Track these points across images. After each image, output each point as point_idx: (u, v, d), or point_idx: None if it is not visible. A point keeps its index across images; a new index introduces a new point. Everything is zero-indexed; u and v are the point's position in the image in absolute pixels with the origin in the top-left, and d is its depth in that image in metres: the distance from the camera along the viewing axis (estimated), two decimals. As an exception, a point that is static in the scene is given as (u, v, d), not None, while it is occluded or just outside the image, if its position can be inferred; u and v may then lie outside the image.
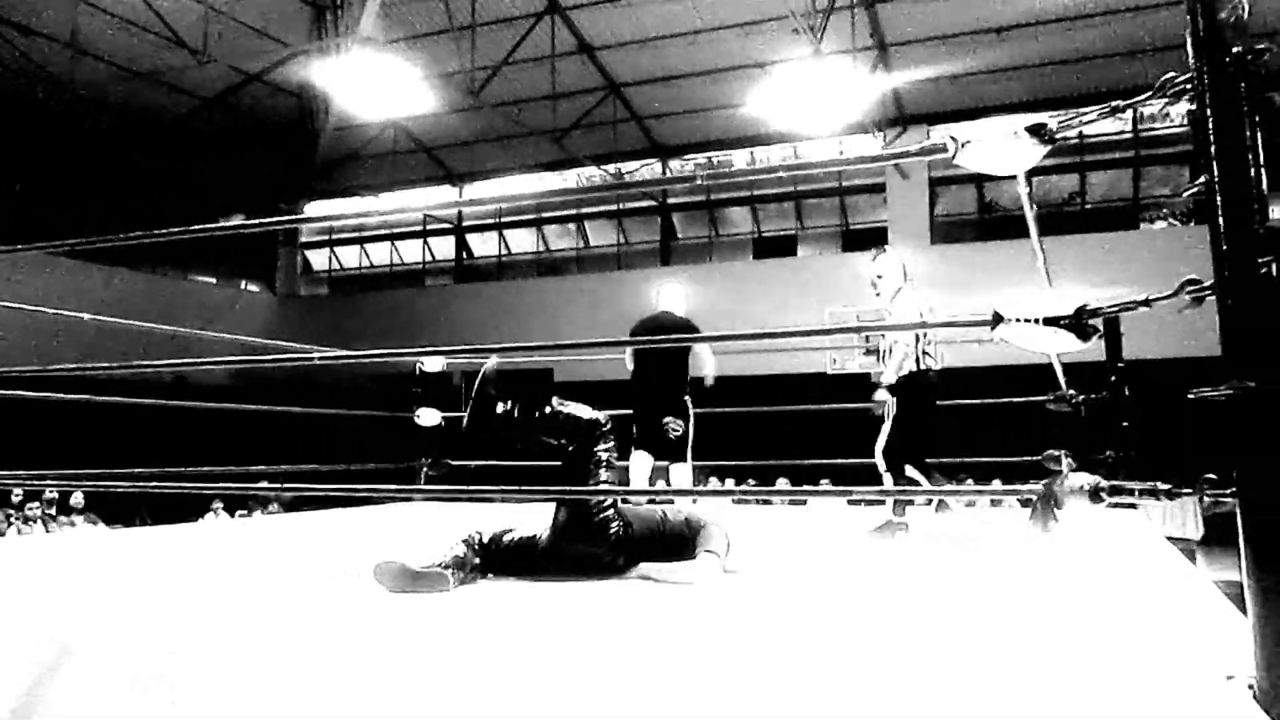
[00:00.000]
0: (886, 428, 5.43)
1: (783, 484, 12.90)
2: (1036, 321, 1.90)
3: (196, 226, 3.00)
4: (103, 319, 5.81)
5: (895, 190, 16.85)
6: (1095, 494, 1.85)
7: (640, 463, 6.21)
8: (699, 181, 2.14)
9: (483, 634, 2.61)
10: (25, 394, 5.32)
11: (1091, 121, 1.91)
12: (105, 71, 15.28)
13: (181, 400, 14.15)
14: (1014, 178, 2.19)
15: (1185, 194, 1.75)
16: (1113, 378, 5.71)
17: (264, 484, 11.74)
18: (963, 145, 1.92)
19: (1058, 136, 1.88)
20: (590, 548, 3.40)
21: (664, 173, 19.03)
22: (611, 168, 18.83)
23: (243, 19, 14.69)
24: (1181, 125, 15.71)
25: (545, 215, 20.35)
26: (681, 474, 6.22)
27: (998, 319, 1.95)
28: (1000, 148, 1.90)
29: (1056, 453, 5.48)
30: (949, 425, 6.18)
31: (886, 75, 15.48)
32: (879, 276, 5.41)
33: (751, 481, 13.18)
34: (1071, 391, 5.47)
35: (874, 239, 17.10)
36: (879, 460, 5.48)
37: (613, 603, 3.03)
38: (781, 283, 16.68)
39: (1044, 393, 5.82)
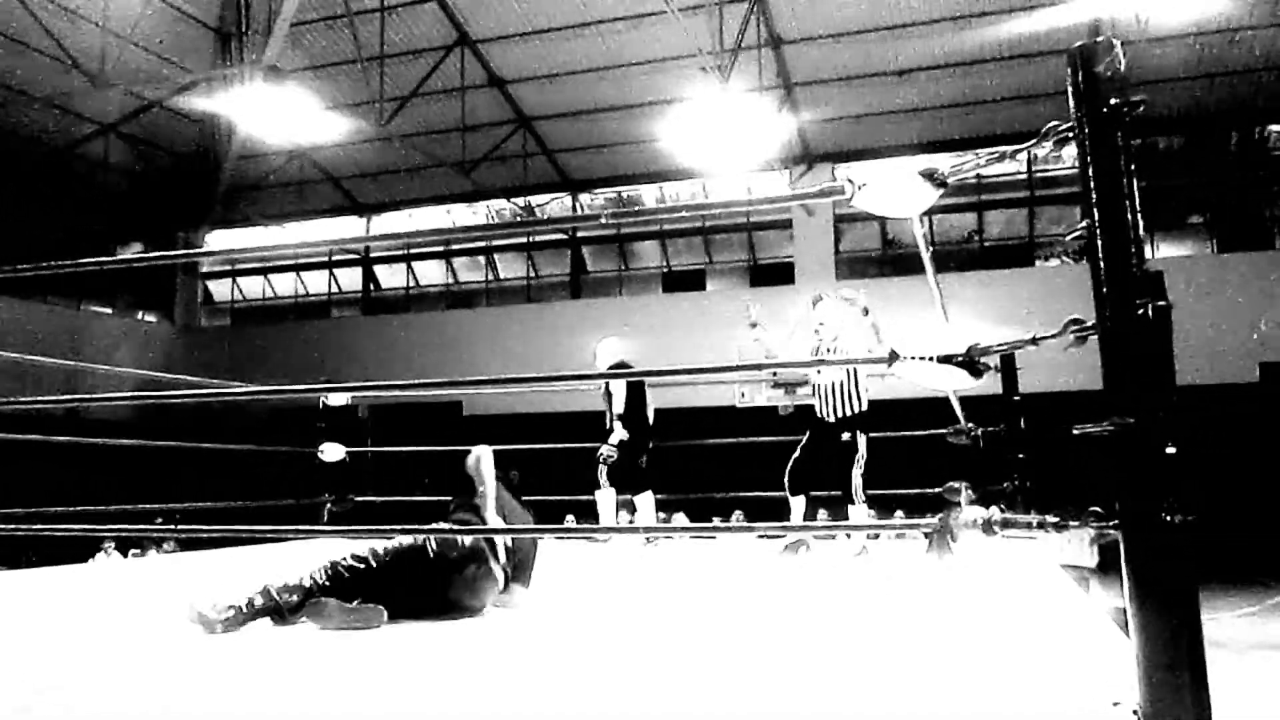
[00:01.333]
0: (861, 463, 5.65)
1: (680, 519, 12.93)
2: (931, 359, 1.96)
3: (91, 259, 2.93)
4: (-11, 351, 5.59)
5: (801, 227, 17.19)
6: (988, 526, 1.91)
7: (607, 498, 6.42)
8: (604, 221, 2.16)
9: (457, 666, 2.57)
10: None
11: (983, 166, 1.99)
12: (-3, 95, 14.80)
13: (76, 435, 13.63)
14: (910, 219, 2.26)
15: (1070, 236, 1.83)
16: (1009, 411, 5.89)
17: (158, 523, 11.38)
18: (860, 188, 1.98)
19: (950, 180, 1.95)
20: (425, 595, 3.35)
21: (574, 206, 19.09)
22: (521, 201, 18.85)
23: (143, 44, 14.37)
24: (1073, 167, 16.38)
25: (454, 248, 20.21)
26: (647, 502, 6.53)
27: (894, 356, 2.00)
28: (896, 191, 1.97)
29: (956, 485, 5.61)
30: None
31: (793, 114, 15.82)
32: (821, 324, 5.80)
33: (662, 516, 13.20)
34: (970, 424, 5.63)
35: (780, 274, 17.41)
36: (858, 494, 5.64)
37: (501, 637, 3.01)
38: (691, 316, 16.84)
39: (945, 426, 5.97)
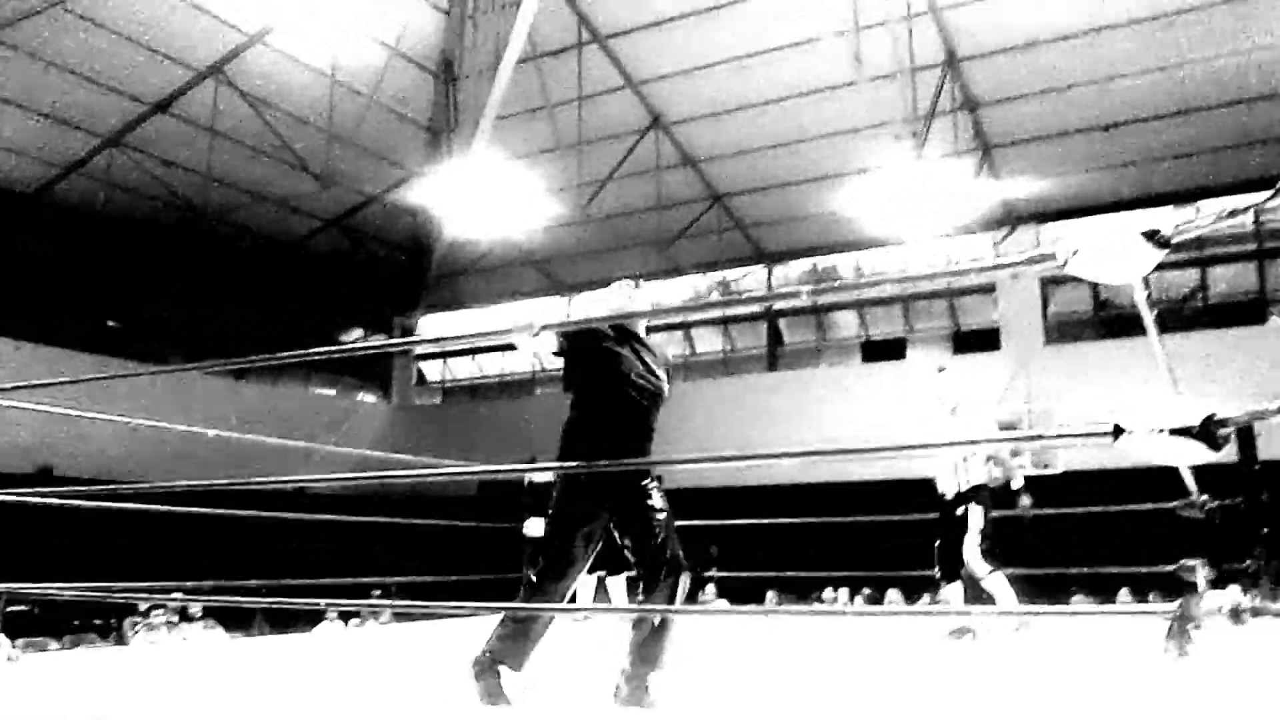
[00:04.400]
0: (974, 535, 5.51)
1: (894, 595, 12.55)
2: (1162, 432, 1.82)
3: (318, 349, 3.15)
4: (224, 433, 6.02)
5: (1006, 290, 16.56)
6: (1236, 614, 1.73)
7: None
8: (804, 300, 2.14)
9: None
10: (152, 507, 5.55)
11: (1209, 227, 1.86)
12: (235, 197, 16.22)
13: (302, 510, 14.51)
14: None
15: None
16: (1247, 482, 5.41)
17: (375, 595, 11.92)
18: (1073, 254, 1.88)
19: (1174, 240, 1.83)
20: None
21: (769, 278, 19.10)
22: (717, 275, 19.01)
23: (363, 144, 15.45)
24: (1308, 216, 15.16)
25: (651, 324, 20.49)
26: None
27: (1119, 431, 1.87)
28: (1113, 254, 1.85)
29: (1192, 562, 5.20)
30: (1070, 533, 6.03)
31: (992, 175, 15.38)
32: (940, 398, 5.93)
33: (867, 593, 12.85)
34: (1204, 497, 5.21)
35: (985, 340, 16.79)
36: (973, 562, 5.54)
37: None
38: (891, 386, 16.40)
39: (1173, 497, 5.57)
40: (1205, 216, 1.82)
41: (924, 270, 16.59)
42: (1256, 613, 1.70)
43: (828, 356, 18.87)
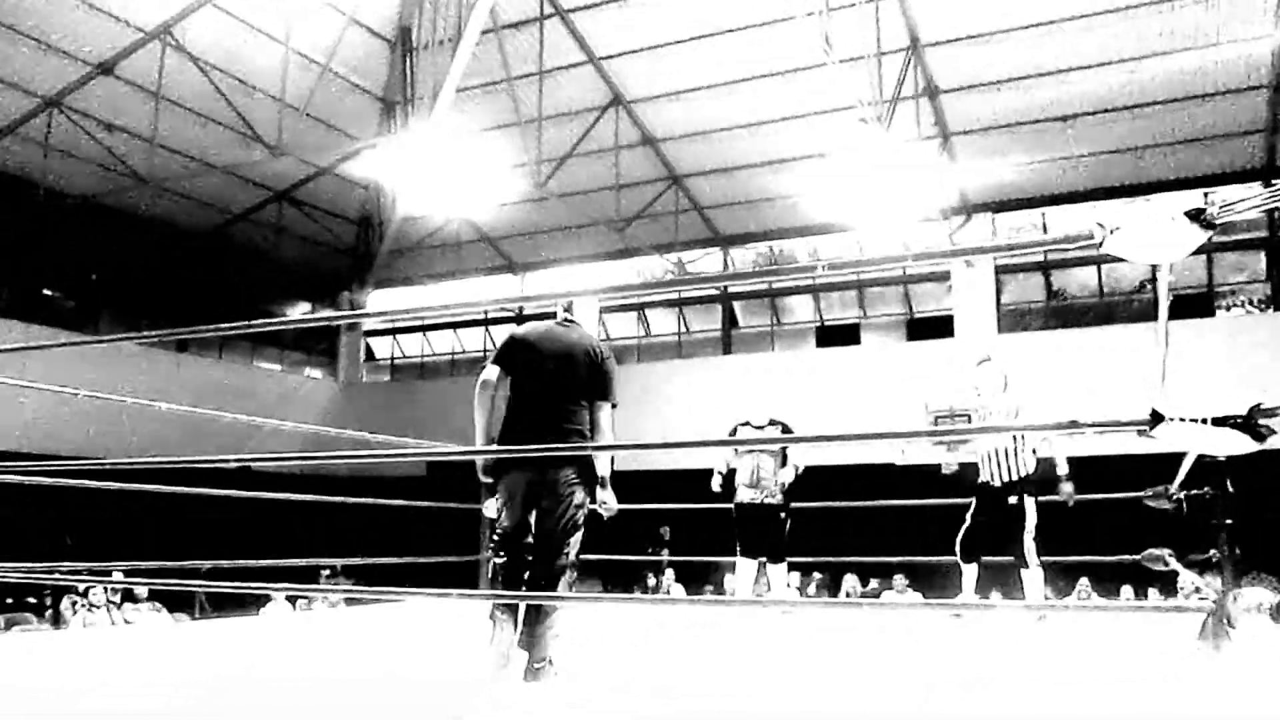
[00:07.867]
0: (1032, 528, 5.56)
1: (851, 580, 12.61)
2: (1204, 422, 1.72)
3: (261, 321, 2.96)
4: (174, 407, 5.80)
5: (960, 279, 16.62)
6: (1277, 612, 1.64)
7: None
8: (821, 271, 2.00)
9: None
10: (89, 484, 5.32)
11: (1250, 209, 1.76)
12: (182, 165, 15.69)
13: (247, 487, 14.20)
14: (1097, 262, 2.02)
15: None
16: (1211, 472, 5.41)
17: (325, 575, 11.67)
18: (1112, 232, 1.77)
19: (1219, 221, 1.73)
20: None
21: (725, 261, 19.02)
22: (673, 256, 18.88)
23: (315, 114, 15.04)
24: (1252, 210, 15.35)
25: (607, 304, 20.37)
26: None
27: (1157, 418, 1.77)
28: (1155, 234, 1.75)
29: (1159, 552, 5.20)
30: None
31: (951, 163, 15.40)
32: (977, 387, 5.97)
33: (821, 576, 12.89)
34: (1173, 487, 5.19)
35: (939, 327, 16.86)
36: (1031, 558, 5.54)
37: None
38: (845, 371, 16.42)
39: (1133, 486, 5.58)
40: (1249, 197, 1.72)
41: (926, 251, 16.77)
42: (1299, 611, 1.61)
43: (782, 341, 18.86)
